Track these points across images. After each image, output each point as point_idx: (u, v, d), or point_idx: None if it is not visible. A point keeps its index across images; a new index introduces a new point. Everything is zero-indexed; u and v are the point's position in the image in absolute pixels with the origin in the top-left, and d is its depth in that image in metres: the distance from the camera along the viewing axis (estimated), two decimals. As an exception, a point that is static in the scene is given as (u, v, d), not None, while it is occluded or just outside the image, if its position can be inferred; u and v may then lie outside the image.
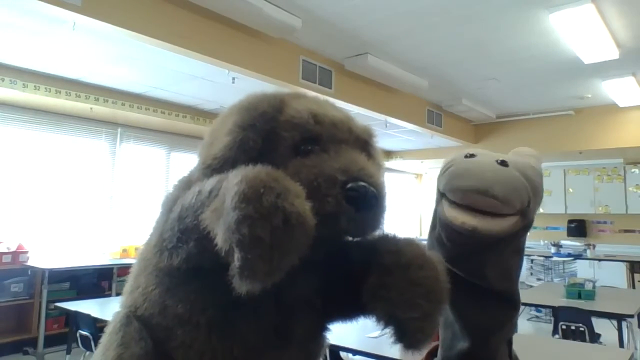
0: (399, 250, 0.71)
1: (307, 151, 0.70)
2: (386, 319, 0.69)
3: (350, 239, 0.75)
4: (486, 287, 0.66)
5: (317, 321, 0.79)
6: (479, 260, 0.64)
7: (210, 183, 0.63)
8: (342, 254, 0.76)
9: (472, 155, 0.64)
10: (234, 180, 0.56)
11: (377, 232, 0.72)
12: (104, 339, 0.72)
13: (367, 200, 0.65)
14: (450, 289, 0.66)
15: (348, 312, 0.80)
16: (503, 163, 0.61)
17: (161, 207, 0.75)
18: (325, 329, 0.81)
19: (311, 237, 0.55)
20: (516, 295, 0.68)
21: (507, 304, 0.67)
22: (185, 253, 0.65)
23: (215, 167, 0.68)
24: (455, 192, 0.60)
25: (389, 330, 0.69)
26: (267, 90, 0.79)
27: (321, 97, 0.83)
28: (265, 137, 0.70)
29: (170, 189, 0.78)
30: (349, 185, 0.64)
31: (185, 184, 0.74)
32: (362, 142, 0.77)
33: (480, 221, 0.59)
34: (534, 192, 0.61)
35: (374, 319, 0.72)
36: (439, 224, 0.65)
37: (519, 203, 0.60)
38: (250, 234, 0.51)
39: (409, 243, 0.72)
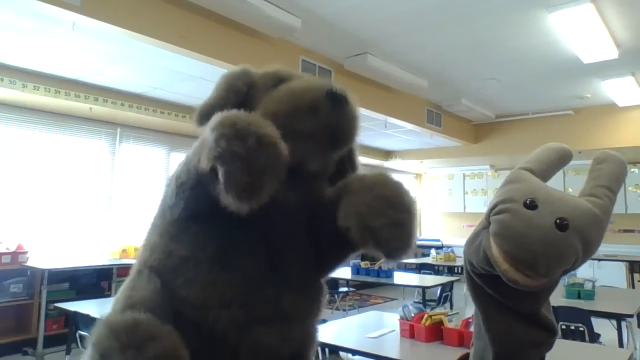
0: (364, 176, 0.82)
1: (281, 84, 0.82)
2: (360, 232, 0.73)
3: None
4: (513, 307, 0.65)
5: (310, 269, 0.84)
6: (508, 286, 0.62)
7: (198, 140, 0.73)
8: (322, 202, 0.83)
9: (533, 205, 0.58)
10: (214, 118, 0.66)
11: (353, 143, 0.84)
12: (117, 294, 0.79)
13: (342, 97, 0.76)
14: (483, 300, 0.66)
15: (336, 253, 0.86)
16: (562, 226, 0.56)
17: (165, 187, 0.84)
18: (321, 286, 0.86)
19: (284, 162, 0.63)
20: (547, 319, 0.66)
21: (540, 326, 0.65)
22: (184, 202, 0.75)
23: (207, 111, 0.78)
24: (501, 249, 0.57)
25: (366, 244, 0.75)
26: None
27: None
28: (249, 85, 0.83)
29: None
30: (326, 87, 0.77)
31: (181, 163, 0.85)
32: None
33: (521, 277, 0.56)
34: (586, 252, 0.57)
35: (352, 240, 0.76)
36: (481, 249, 0.62)
37: (561, 271, 0.58)
38: (227, 147, 0.60)
39: (375, 173, 0.82)
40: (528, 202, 0.58)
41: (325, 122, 0.75)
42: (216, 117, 0.65)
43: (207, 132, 0.65)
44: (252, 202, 0.61)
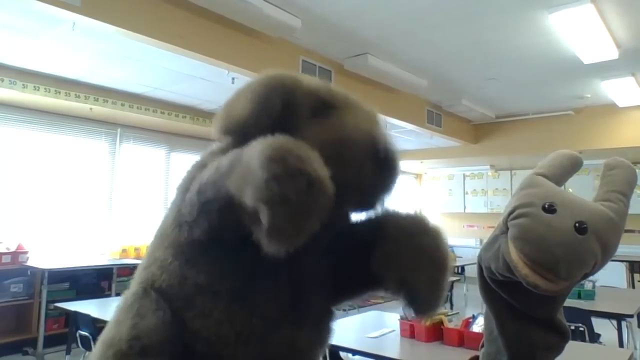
0: (403, 221, 0.75)
1: (326, 114, 0.73)
2: (396, 285, 0.72)
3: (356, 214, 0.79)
4: (528, 312, 0.65)
5: (328, 301, 0.81)
6: (525, 292, 0.62)
7: (228, 157, 0.66)
8: (349, 234, 0.79)
9: (552, 208, 0.58)
10: (258, 147, 0.59)
11: (380, 208, 0.77)
12: (115, 315, 0.71)
13: (390, 164, 0.70)
14: (497, 304, 0.66)
15: (356, 288, 0.83)
16: (581, 230, 0.56)
17: (177, 190, 0.77)
18: (332, 314, 0.84)
19: (331, 203, 0.58)
20: (561, 324, 0.66)
21: (554, 331, 0.65)
22: (207, 224, 0.66)
23: (239, 127, 0.71)
24: (521, 252, 0.58)
25: (400, 296, 0.72)
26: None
27: None
28: (285, 103, 0.72)
29: (184, 174, 0.79)
30: (373, 148, 0.69)
31: (200, 166, 0.76)
32: (371, 113, 0.82)
33: (542, 280, 0.57)
34: (604, 256, 0.58)
35: (383, 288, 0.75)
36: (500, 255, 0.62)
37: (581, 274, 0.58)
38: (279, 191, 0.54)
39: (413, 216, 0.77)
40: (547, 205, 0.59)
41: (365, 192, 0.70)
42: (263, 147, 0.58)
43: (252, 160, 0.58)
44: (291, 247, 0.57)
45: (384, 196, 0.74)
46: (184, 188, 0.73)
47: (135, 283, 0.76)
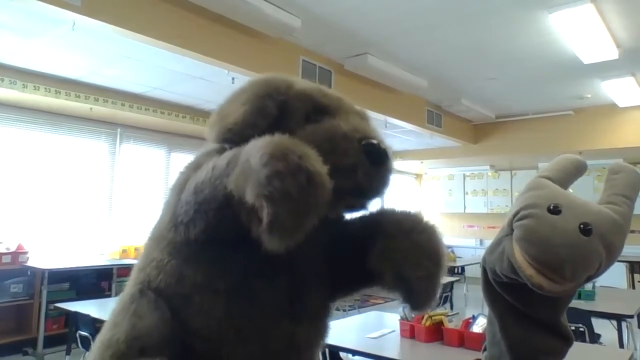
0: (400, 219, 0.78)
1: (319, 119, 0.75)
2: (394, 280, 0.73)
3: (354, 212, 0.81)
4: (532, 315, 0.65)
5: (325, 297, 0.83)
6: (530, 294, 0.62)
7: (225, 157, 0.67)
8: (345, 232, 0.81)
9: (556, 210, 0.58)
10: (258, 144, 0.60)
11: (379, 202, 0.78)
12: (112, 317, 0.71)
13: (381, 154, 0.71)
14: (500, 307, 0.66)
15: (352, 284, 0.86)
16: (586, 231, 0.56)
17: (171, 191, 0.77)
18: (329, 309, 0.85)
19: (329, 198, 0.59)
20: (565, 328, 0.66)
21: (557, 335, 0.65)
22: (204, 223, 0.67)
23: (235, 131, 0.72)
24: (526, 253, 0.57)
25: (396, 292, 0.74)
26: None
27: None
28: (280, 107, 0.75)
29: (177, 175, 0.80)
30: (364, 141, 0.71)
31: (194, 167, 0.76)
32: (362, 115, 0.85)
33: (546, 281, 0.57)
34: (609, 258, 0.58)
35: (381, 283, 0.77)
36: (505, 256, 0.62)
37: (586, 276, 0.58)
38: (281, 187, 0.55)
39: (408, 213, 0.80)
40: (552, 207, 0.59)
41: (360, 183, 0.71)
42: (263, 145, 0.59)
43: (252, 157, 0.59)
44: (291, 242, 0.58)
45: (379, 190, 0.74)
46: (179, 189, 0.73)
47: (131, 285, 0.76)
